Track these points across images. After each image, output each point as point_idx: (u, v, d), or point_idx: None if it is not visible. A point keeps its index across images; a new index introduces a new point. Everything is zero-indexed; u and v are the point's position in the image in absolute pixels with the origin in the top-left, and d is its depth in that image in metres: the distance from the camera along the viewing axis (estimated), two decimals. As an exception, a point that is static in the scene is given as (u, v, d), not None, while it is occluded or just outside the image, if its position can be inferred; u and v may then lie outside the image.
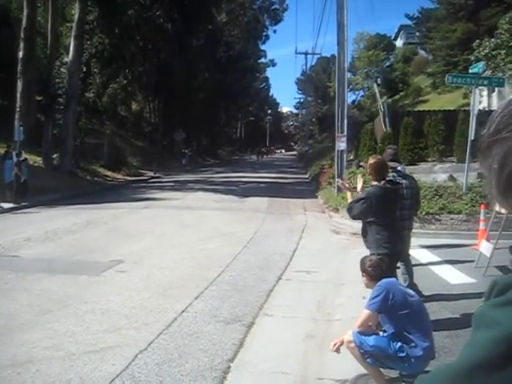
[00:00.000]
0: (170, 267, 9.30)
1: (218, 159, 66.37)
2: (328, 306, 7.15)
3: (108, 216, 16.37)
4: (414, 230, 8.20)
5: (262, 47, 78.07)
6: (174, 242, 11.85)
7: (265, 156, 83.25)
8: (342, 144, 18.54)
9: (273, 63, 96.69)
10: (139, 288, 7.87)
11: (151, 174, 37.37)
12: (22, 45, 27.48)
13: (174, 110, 49.45)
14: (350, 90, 51.64)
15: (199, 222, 15.37)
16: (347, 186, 6.38)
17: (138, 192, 25.06)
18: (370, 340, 4.38)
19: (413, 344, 4.32)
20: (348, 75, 24.12)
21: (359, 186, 6.07)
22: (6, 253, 10.47)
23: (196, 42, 48.84)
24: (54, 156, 28.92)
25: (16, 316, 6.43)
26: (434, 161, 21.11)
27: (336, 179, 17.52)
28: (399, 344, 4.35)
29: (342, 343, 4.46)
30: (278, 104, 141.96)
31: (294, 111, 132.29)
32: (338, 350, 4.48)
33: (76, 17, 29.78)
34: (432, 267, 9.24)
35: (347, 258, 10.11)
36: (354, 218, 6.13)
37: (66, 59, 30.50)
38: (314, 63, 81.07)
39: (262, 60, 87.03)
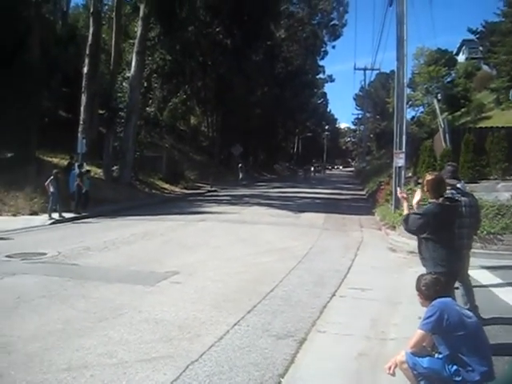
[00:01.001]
0: (224, 280, 9.32)
1: (275, 174, 66.45)
2: (382, 324, 6.98)
3: (164, 228, 16.63)
4: (474, 250, 7.93)
5: (321, 63, 78.19)
6: (229, 256, 11.88)
7: (315, 174, 73.23)
8: (400, 161, 18.22)
9: (331, 79, 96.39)
10: (193, 299, 7.91)
11: (208, 187, 37.77)
12: (86, 61, 28.46)
13: (231, 125, 49.96)
14: (410, 106, 50.75)
15: (254, 236, 15.38)
16: (405, 196, 6.24)
17: (194, 205, 25.36)
18: (424, 361, 4.24)
19: (469, 368, 4.15)
20: (407, 91, 23.82)
21: (416, 199, 5.92)
22: (65, 261, 10.79)
23: (255, 58, 49.33)
24: (114, 168, 29.66)
25: (73, 322, 6.58)
26: (496, 179, 20.44)
27: (394, 192, 17.28)
28: (455, 367, 4.19)
29: (396, 365, 4.33)
30: (335, 120, 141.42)
31: (352, 127, 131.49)
32: (393, 373, 4.35)
33: (138, 33, 30.64)
34: (493, 289, 8.89)
35: (403, 276, 9.87)
36: (408, 230, 5.97)
37: (127, 74, 31.37)
38: (372, 79, 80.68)
39: (321, 76, 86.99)
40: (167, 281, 9.06)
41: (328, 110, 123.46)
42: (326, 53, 73.19)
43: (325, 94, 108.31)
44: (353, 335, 6.51)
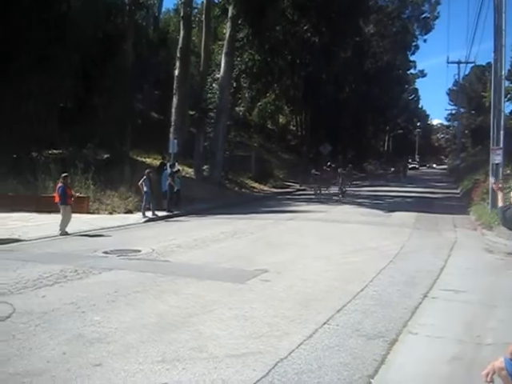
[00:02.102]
0: (313, 279, 9.28)
1: (364, 172, 65.45)
2: (478, 328, 6.68)
3: (254, 226, 16.81)
4: None
5: (412, 57, 75.86)
6: (318, 254, 11.82)
7: (405, 172, 61.37)
8: (497, 157, 17.42)
9: (422, 74, 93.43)
10: (282, 297, 7.93)
11: (297, 186, 37.78)
12: (177, 63, 29.28)
13: (320, 123, 49.68)
14: (508, 100, 48.32)
15: (343, 235, 15.23)
16: (500, 186, 5.93)
17: (283, 204, 25.46)
18: (525, 369, 4.00)
19: None
20: (506, 84, 22.65)
21: None
22: (159, 257, 11.17)
23: (343, 54, 48.80)
24: (205, 167, 30.33)
25: (166, 316, 6.79)
26: None
27: (491, 190, 16.57)
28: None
29: (494, 371, 4.11)
30: (427, 116, 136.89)
31: (445, 123, 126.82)
32: (491, 380, 4.13)
33: (227, 35, 31.15)
34: None
35: (501, 278, 9.42)
36: (504, 224, 5.66)
37: (217, 75, 31.97)
38: (467, 72, 77.31)
39: (411, 71, 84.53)
40: (256, 278, 9.14)
41: (419, 106, 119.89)
42: (417, 47, 70.98)
43: (416, 89, 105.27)
44: (446, 338, 6.28)
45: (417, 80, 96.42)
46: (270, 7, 32.49)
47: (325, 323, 6.65)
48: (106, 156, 28.10)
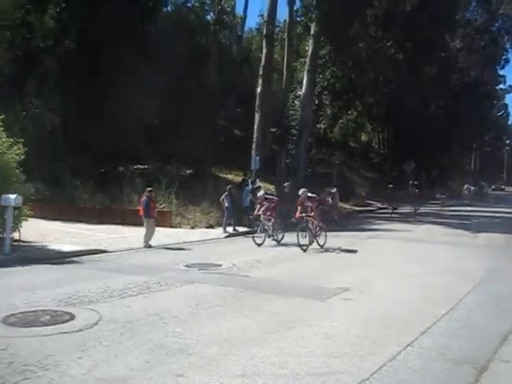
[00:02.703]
0: (395, 299, 9.02)
1: (449, 191, 63.26)
2: None
3: (335, 244, 16.62)
4: None
5: (501, 72, 72.98)
6: (400, 274, 11.50)
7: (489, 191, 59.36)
8: None
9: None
10: (364, 317, 7.75)
11: (379, 204, 37.11)
12: (260, 81, 29.60)
13: (403, 140, 48.64)
14: None
15: (427, 255, 14.75)
16: None
17: (365, 222, 25.07)
18: None
19: None
20: None
21: None
22: (239, 272, 11.24)
23: (428, 70, 47.67)
24: (286, 184, 30.36)
25: (246, 331, 6.79)
26: None
27: None
28: None
29: None
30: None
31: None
32: None
33: (309, 52, 31.25)
34: None
35: None
36: None
37: (299, 92, 32.10)
38: None
39: (501, 86, 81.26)
40: (337, 297, 8.98)
41: (509, 122, 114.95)
42: (507, 61, 68.11)
43: (505, 105, 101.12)
44: (543, 369, 5.89)
45: (506, 95, 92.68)
46: (353, 24, 32.35)
47: (408, 345, 6.42)
48: (189, 171, 28.79)
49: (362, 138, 55.16)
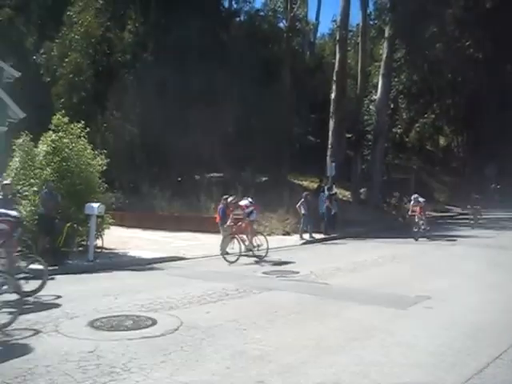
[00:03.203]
0: (480, 308, 8.64)
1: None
2: None
3: (413, 251, 16.26)
4: None
5: None
6: (485, 282, 11.02)
7: None
8: None
9: None
10: (447, 326, 7.46)
11: (458, 210, 35.90)
12: (333, 87, 29.45)
13: (484, 143, 46.76)
14: None
15: (512, 262, 14.11)
16: None
17: (444, 228, 24.30)
18: None
19: None
20: None
21: None
22: (317, 280, 11.15)
23: (510, 69, 45.68)
24: (361, 190, 29.97)
25: (325, 339, 6.70)
26: None
27: None
28: None
29: None
30: None
31: None
32: None
33: (384, 56, 30.78)
34: None
35: None
36: None
37: (374, 97, 31.68)
38: None
39: None
40: (419, 305, 8.72)
41: None
42: None
43: None
44: None
45: None
46: (430, 25, 31.57)
47: (497, 357, 6.09)
48: (264, 179, 28.96)
49: (440, 141, 53.52)
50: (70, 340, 6.43)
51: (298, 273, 11.99)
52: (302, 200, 19.35)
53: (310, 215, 19.48)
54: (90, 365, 5.52)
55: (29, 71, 27.03)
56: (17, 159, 14.31)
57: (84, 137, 14.97)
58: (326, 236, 20.04)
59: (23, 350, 6.04)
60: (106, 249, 14.84)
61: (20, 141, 14.37)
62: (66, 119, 14.99)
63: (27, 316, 7.42)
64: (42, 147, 14.36)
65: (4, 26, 33.55)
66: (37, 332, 6.75)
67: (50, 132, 14.69)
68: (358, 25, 39.56)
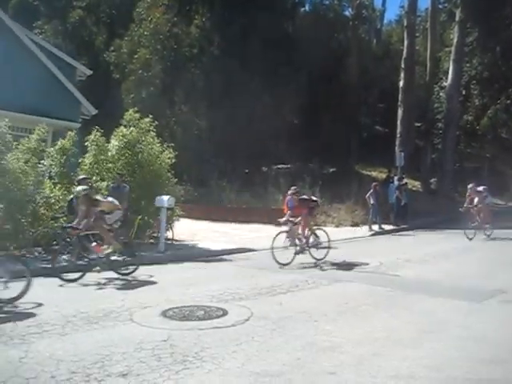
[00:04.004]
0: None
1: None
2: None
3: (486, 242, 15.70)
4: None
5: None
6: None
7: None
8: None
9: None
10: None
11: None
12: (402, 74, 28.77)
13: None
14: None
15: None
16: None
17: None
18: None
19: None
20: None
21: None
22: (387, 271, 10.98)
23: None
24: (432, 180, 29.22)
25: (396, 331, 6.58)
26: None
27: None
28: None
29: None
30: None
31: None
32: None
33: (455, 40, 29.80)
34: None
35: None
36: None
37: (444, 84, 30.75)
38: None
39: None
40: (494, 299, 8.41)
41: None
42: None
43: None
44: None
45: None
46: (504, 5, 30.21)
47: None
48: (332, 170, 28.74)
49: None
50: (143, 329, 6.60)
51: (367, 264, 11.85)
52: (371, 191, 19.10)
53: (380, 206, 19.19)
54: (164, 353, 5.65)
55: (99, 69, 27.89)
56: (90, 154, 14.80)
57: (153, 131, 15.31)
58: (396, 227, 19.70)
59: (101, 337, 6.26)
60: (177, 240, 15.18)
61: (92, 136, 14.84)
62: (137, 115, 15.38)
63: (101, 306, 7.69)
64: (114, 142, 14.77)
65: (76, 26, 34.77)
66: (112, 320, 6.98)
67: (122, 127, 15.11)
68: (426, 9, 38.51)
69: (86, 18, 35.95)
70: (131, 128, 14.94)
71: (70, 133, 14.78)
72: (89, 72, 21.96)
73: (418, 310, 7.77)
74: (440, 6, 34.99)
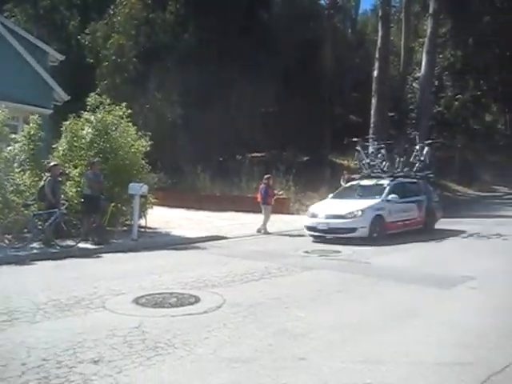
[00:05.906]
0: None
1: None
2: None
3: (458, 231, 16.00)
4: None
5: None
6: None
7: None
8: None
9: None
10: (491, 307, 7.35)
11: (505, 189, 35.08)
12: (376, 64, 28.90)
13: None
14: None
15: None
16: None
17: (490, 208, 23.82)
18: None
19: None
20: None
21: None
22: (359, 259, 11.16)
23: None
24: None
25: (368, 318, 6.68)
26: None
27: None
28: None
29: None
30: None
31: None
32: None
33: (428, 31, 30.07)
34: None
35: None
36: None
37: (417, 74, 31.05)
38: None
39: None
40: (463, 285, 8.59)
41: None
42: None
43: None
44: None
45: None
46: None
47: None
48: (305, 158, 28.85)
49: (487, 119, 52.05)
50: (116, 316, 6.60)
51: (339, 252, 12.00)
52: (342, 178, 19.23)
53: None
54: (136, 340, 5.66)
55: (72, 54, 27.41)
56: (63, 141, 14.60)
57: (127, 118, 15.16)
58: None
59: (72, 324, 6.24)
60: (150, 228, 15.11)
61: (67, 123, 14.64)
62: (103, 99, 15.18)
63: (74, 293, 7.66)
64: (88, 129, 14.58)
65: (47, 10, 34.06)
66: (84, 308, 6.96)
67: (85, 113, 14.86)
68: (401, 0, 38.71)
69: (58, 2, 35.19)
70: (98, 114, 14.67)
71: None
72: (61, 57, 21.60)
73: (389, 296, 7.90)
74: (415, -3, 35.29)
